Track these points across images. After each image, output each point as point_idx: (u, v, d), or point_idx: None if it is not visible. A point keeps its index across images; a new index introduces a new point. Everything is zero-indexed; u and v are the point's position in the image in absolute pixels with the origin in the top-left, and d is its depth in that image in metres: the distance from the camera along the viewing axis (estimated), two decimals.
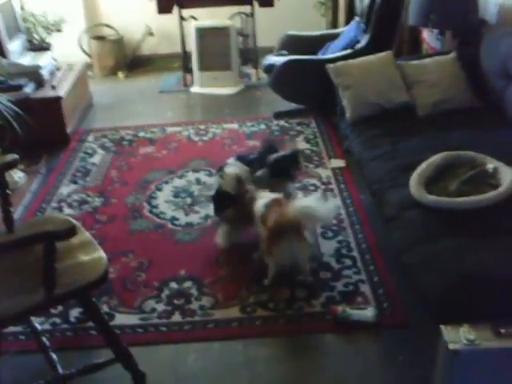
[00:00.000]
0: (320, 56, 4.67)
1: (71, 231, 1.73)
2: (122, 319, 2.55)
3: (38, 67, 4.52)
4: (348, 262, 2.85)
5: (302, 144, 4.17)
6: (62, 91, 4.43)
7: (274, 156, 3.17)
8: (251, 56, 5.79)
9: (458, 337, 1.76)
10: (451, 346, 1.73)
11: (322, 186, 3.55)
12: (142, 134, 4.53)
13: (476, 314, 1.92)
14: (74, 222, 1.90)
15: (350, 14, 5.25)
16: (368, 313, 2.47)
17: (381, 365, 2.31)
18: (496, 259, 2.06)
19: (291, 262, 2.64)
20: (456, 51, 3.58)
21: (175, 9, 5.36)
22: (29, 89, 4.31)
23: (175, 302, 2.65)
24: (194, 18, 5.60)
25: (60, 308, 2.62)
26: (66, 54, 5.44)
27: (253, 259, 2.85)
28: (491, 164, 2.52)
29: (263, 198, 2.77)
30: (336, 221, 3.18)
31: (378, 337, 2.41)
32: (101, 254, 2.02)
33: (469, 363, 1.75)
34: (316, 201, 2.70)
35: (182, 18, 5.43)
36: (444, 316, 1.94)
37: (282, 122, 4.59)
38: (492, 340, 1.75)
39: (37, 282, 1.77)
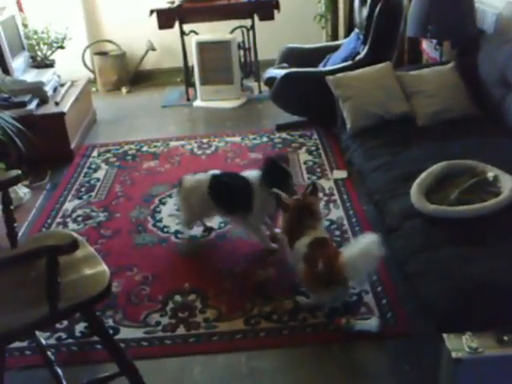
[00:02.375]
0: (320, 68, 4.70)
1: (73, 245, 1.74)
2: (126, 333, 2.57)
3: (41, 84, 4.56)
4: None
5: (304, 156, 4.19)
6: (66, 107, 4.46)
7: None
8: (252, 69, 5.83)
9: (460, 345, 1.75)
10: (454, 355, 1.73)
11: (325, 198, 3.56)
12: (145, 149, 4.56)
13: (478, 321, 1.92)
14: (76, 236, 1.91)
15: (350, 26, 5.28)
16: (372, 323, 2.47)
17: (386, 375, 2.30)
18: (498, 267, 2.06)
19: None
20: (455, 61, 3.60)
21: (176, 24, 5.41)
22: (32, 105, 4.35)
23: (179, 314, 2.66)
24: (195, 33, 5.65)
25: (65, 323, 2.63)
26: (69, 70, 5.48)
27: (258, 274, 2.88)
28: (491, 172, 2.53)
29: (307, 237, 2.59)
30: (339, 232, 3.19)
31: (383, 347, 2.41)
32: (104, 267, 2.03)
33: (472, 371, 1.75)
34: (364, 251, 2.42)
35: (183, 33, 5.48)
36: (446, 324, 1.95)
37: (284, 135, 4.61)
38: (495, 348, 1.75)
39: (41, 296, 1.78)
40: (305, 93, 4.38)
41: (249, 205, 2.96)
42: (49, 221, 3.55)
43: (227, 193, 3.05)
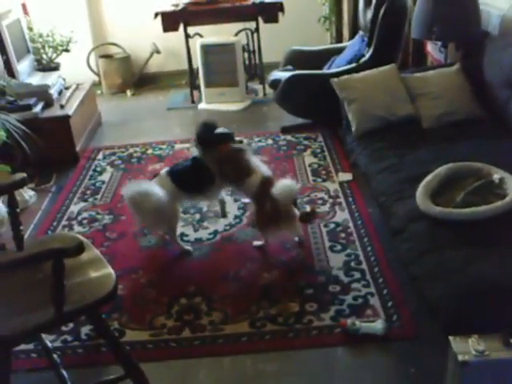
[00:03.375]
0: (324, 70, 4.70)
1: (79, 248, 1.74)
2: (132, 335, 2.57)
3: (46, 87, 4.58)
4: (357, 275, 2.85)
5: (309, 158, 4.19)
6: (71, 110, 4.47)
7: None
8: (257, 72, 5.84)
9: (467, 348, 1.75)
10: (460, 358, 1.73)
11: (330, 200, 3.56)
12: (150, 151, 4.56)
13: (485, 324, 1.92)
14: (82, 238, 1.92)
15: (354, 29, 5.28)
16: (377, 325, 2.46)
17: (392, 378, 2.30)
18: (504, 269, 2.06)
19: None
20: (459, 63, 3.59)
21: (181, 26, 5.42)
22: (38, 108, 4.36)
23: (185, 317, 2.65)
24: (200, 35, 5.67)
25: (71, 325, 2.63)
26: (74, 74, 5.51)
27: (263, 277, 2.88)
28: (497, 174, 2.52)
29: (255, 175, 2.97)
30: (344, 234, 3.19)
31: (388, 349, 2.41)
32: (109, 270, 2.03)
33: (478, 374, 1.74)
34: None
35: (187, 36, 5.49)
36: (453, 327, 1.94)
37: (289, 137, 4.61)
38: (501, 350, 1.75)
39: (46, 299, 1.78)
40: (310, 95, 4.38)
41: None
42: (54, 223, 3.56)
43: (192, 175, 3.12)
